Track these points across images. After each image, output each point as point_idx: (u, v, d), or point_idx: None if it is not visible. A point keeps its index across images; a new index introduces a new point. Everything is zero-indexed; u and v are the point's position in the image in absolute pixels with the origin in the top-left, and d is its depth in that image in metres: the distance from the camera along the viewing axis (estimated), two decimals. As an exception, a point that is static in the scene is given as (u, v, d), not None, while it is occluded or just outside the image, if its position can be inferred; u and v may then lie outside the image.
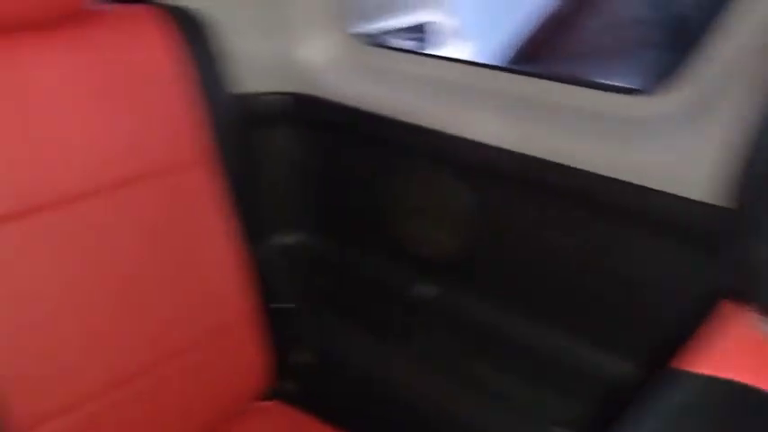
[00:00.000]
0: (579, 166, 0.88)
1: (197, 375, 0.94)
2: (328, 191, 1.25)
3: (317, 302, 1.27)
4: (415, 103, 1.06)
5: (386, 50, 1.19)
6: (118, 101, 0.86)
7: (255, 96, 1.16)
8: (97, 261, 0.83)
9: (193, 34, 0.93)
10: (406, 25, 1.97)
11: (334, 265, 1.28)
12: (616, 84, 0.93)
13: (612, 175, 0.86)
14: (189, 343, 0.92)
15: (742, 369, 0.62)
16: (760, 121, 0.72)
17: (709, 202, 0.79)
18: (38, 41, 0.81)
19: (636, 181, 0.84)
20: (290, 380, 1.10)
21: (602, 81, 0.95)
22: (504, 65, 1.66)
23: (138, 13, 0.91)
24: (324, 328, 1.23)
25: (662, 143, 0.84)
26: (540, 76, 0.98)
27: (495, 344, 1.07)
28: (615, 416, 0.59)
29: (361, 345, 1.20)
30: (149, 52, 0.89)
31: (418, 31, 2.01)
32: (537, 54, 2.01)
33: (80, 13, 0.85)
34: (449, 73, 1.07)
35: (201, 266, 0.94)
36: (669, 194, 0.82)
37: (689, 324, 0.70)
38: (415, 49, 1.83)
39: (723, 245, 0.79)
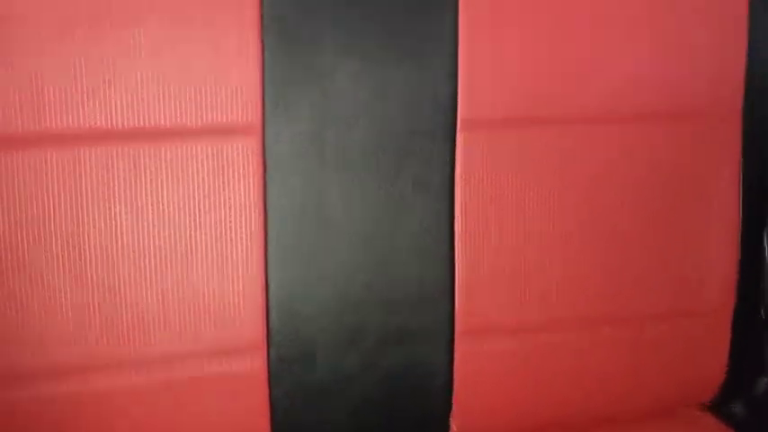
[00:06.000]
0: None
1: (639, 350, 0.84)
2: None
3: None
4: None
5: None
6: (663, 32, 0.78)
7: None
8: (584, 188, 0.78)
9: None
10: None
11: None
12: None
13: None
14: (648, 314, 0.83)
15: None
16: None
17: None
18: None
19: None
20: (740, 401, 0.92)
21: None
22: None
23: None
24: None
25: None
26: None
27: None
28: None
29: None
30: None
31: None
32: None
33: None
34: None
35: (689, 231, 0.83)
36: None
37: None
38: None
39: None
